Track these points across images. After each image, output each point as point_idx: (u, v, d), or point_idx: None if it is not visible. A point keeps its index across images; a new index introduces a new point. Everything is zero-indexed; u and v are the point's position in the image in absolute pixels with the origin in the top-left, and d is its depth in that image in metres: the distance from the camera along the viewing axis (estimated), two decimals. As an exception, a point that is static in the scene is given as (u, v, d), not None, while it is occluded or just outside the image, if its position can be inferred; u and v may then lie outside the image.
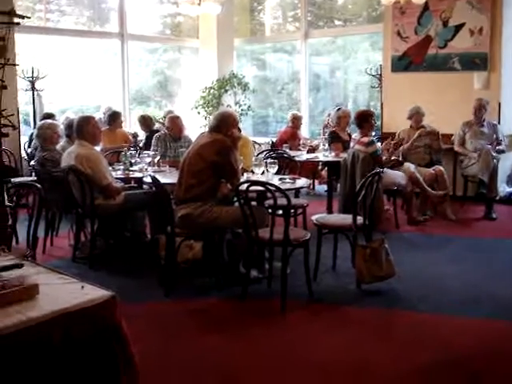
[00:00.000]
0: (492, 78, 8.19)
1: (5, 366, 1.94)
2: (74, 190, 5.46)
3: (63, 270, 2.56)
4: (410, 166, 7.05)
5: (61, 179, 5.62)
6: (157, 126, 9.03)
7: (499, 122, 7.96)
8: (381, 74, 9.50)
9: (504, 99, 8.12)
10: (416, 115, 7.45)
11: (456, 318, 4.18)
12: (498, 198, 7.58)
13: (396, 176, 6.78)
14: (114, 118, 8.42)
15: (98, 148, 6.15)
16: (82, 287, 2.29)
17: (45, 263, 2.93)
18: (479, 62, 8.24)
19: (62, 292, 2.26)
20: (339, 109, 8.47)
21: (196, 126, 11.00)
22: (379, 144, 6.97)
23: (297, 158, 7.07)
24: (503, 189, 8.09)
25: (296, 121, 9.50)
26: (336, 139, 7.78)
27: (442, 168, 7.25)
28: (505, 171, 8.27)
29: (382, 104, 9.28)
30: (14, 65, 3.43)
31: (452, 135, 7.92)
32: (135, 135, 9.14)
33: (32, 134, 7.96)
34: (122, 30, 10.97)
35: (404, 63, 8.91)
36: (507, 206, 7.81)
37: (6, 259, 2.63)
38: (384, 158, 6.49)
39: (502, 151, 7.62)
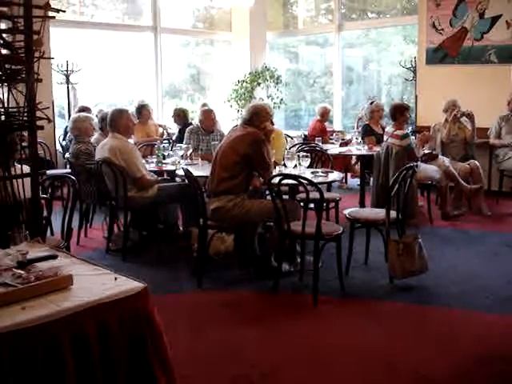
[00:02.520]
0: (529, 71, 8.03)
1: (39, 355, 1.97)
2: (108, 182, 5.51)
3: (97, 261, 2.58)
4: (444, 160, 6.95)
5: (95, 171, 5.69)
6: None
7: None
8: (415, 67, 9.38)
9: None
10: (452, 108, 7.33)
11: (489, 315, 4.11)
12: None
13: (430, 170, 6.71)
14: (139, 110, 8.49)
15: (131, 141, 6.20)
16: (116, 278, 2.31)
17: (79, 254, 2.97)
18: (516, 54, 8.08)
19: (95, 283, 2.28)
20: (372, 102, 8.39)
21: (228, 120, 11.00)
22: (413, 138, 6.90)
23: (329, 152, 7.03)
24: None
25: (326, 114, 9.45)
26: (369, 133, 7.72)
27: (477, 162, 7.14)
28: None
29: (416, 97, 9.17)
30: (50, 58, 3.46)
31: (488, 129, 7.78)
32: (164, 128, 9.21)
33: (67, 127, 8.05)
34: (155, 24, 11.03)
35: (439, 56, 8.79)
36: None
37: (41, 250, 2.66)
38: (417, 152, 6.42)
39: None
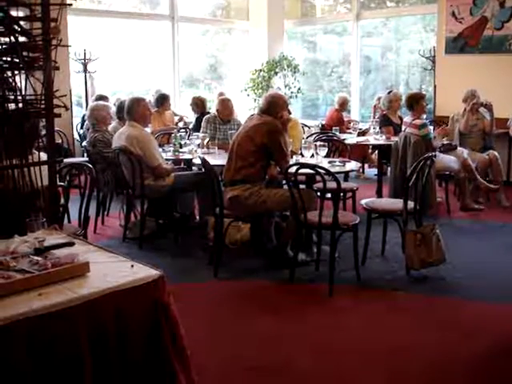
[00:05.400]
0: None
1: (56, 342, 1.97)
2: (125, 171, 5.52)
3: (113, 249, 2.59)
4: (463, 152, 6.88)
5: (112, 160, 5.70)
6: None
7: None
8: (434, 56, 9.28)
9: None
10: (471, 98, 7.25)
11: (507, 307, 4.07)
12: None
13: (449, 160, 6.64)
14: (162, 100, 8.45)
15: (147, 129, 6.20)
16: (132, 266, 2.31)
17: (95, 242, 2.97)
18: (537, 44, 7.98)
19: (112, 270, 2.28)
20: (390, 92, 8.31)
21: (245, 109, 10.97)
22: (431, 127, 6.84)
23: (347, 141, 6.99)
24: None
25: (345, 104, 9.39)
26: (387, 122, 7.66)
27: (496, 153, 7.06)
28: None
29: (435, 87, 9.08)
30: (67, 46, 3.46)
31: (508, 119, 7.69)
32: (181, 119, 9.21)
33: (84, 116, 8.07)
34: (172, 12, 11.00)
35: (458, 45, 8.69)
36: None
37: (58, 237, 2.67)
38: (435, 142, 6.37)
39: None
